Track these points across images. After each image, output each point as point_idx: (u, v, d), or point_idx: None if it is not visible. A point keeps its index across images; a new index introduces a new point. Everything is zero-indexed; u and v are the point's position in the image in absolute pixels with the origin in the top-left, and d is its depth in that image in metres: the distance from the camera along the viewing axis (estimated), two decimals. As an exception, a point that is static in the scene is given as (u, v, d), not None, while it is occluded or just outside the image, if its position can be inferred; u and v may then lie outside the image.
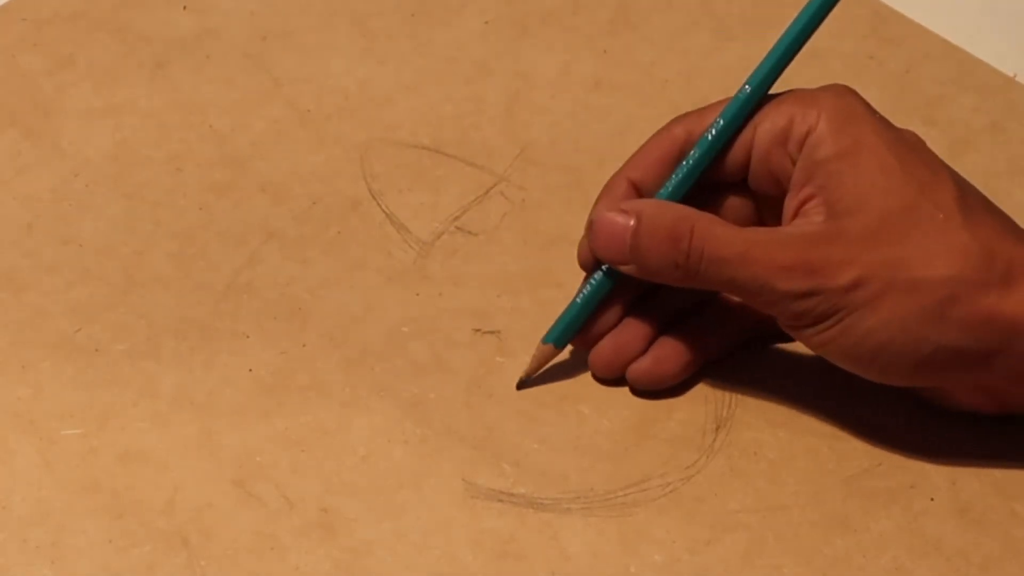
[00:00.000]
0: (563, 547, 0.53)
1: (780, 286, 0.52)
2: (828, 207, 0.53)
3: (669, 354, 0.57)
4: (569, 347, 0.58)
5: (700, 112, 0.57)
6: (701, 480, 0.55)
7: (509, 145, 0.65)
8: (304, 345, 0.58)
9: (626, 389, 0.57)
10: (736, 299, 0.57)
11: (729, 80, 0.66)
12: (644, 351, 0.57)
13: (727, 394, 0.57)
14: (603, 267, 0.56)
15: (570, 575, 0.53)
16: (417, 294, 0.60)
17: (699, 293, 0.58)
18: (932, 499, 0.54)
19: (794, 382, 0.58)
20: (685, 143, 0.56)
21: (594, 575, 0.53)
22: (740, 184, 0.57)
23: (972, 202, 0.53)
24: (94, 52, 0.69)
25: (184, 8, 0.70)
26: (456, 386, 0.57)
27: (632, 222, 0.54)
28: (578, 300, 0.57)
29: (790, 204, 0.54)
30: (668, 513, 0.54)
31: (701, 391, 0.57)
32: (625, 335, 0.57)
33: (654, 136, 0.57)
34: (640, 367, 0.57)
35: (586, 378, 0.58)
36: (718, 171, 0.56)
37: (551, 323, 0.58)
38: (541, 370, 0.57)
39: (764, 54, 0.57)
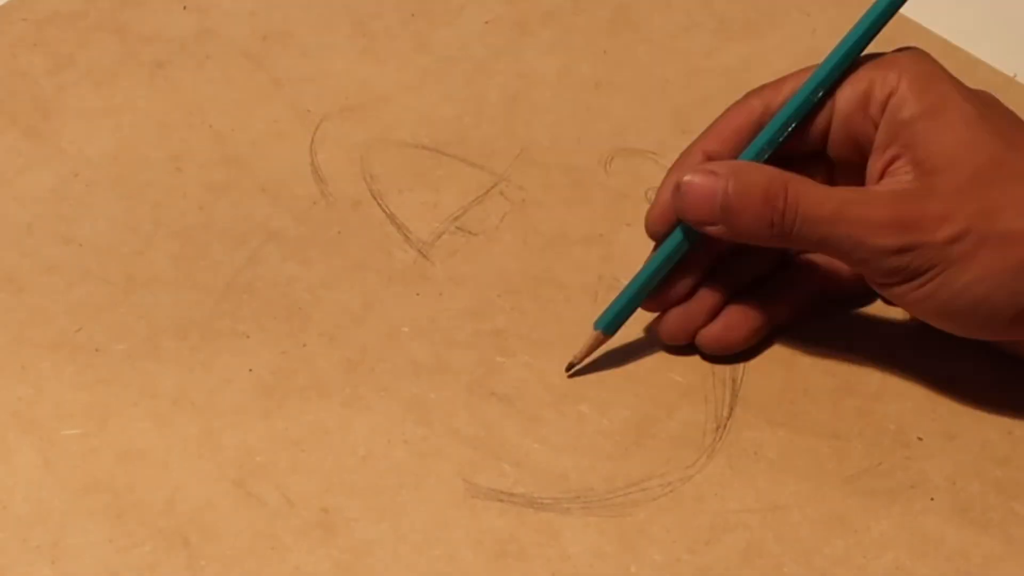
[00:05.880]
0: (563, 547, 0.53)
1: (875, 242, 0.52)
2: (916, 166, 0.53)
3: (738, 320, 0.57)
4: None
5: (776, 85, 0.57)
6: (701, 480, 0.55)
7: (509, 145, 0.65)
8: (304, 345, 0.58)
9: (626, 389, 0.57)
10: (804, 264, 0.58)
11: (729, 80, 0.67)
12: (713, 318, 0.58)
13: (727, 394, 0.57)
14: (675, 235, 0.56)
15: (570, 575, 0.53)
16: (417, 294, 0.60)
17: (767, 262, 0.58)
18: (932, 499, 0.54)
19: (794, 380, 0.58)
20: (762, 115, 0.56)
21: (594, 575, 0.53)
22: (815, 153, 0.57)
23: None
24: (94, 52, 0.69)
25: (184, 8, 0.70)
26: (456, 386, 0.57)
27: (724, 183, 0.54)
28: (635, 283, 0.57)
29: (875, 166, 0.55)
30: (668, 513, 0.54)
31: (701, 391, 0.57)
32: (694, 306, 0.58)
33: (730, 109, 0.57)
34: (710, 333, 0.58)
35: (586, 378, 0.58)
36: (797, 140, 0.57)
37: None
38: (590, 358, 0.57)
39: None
